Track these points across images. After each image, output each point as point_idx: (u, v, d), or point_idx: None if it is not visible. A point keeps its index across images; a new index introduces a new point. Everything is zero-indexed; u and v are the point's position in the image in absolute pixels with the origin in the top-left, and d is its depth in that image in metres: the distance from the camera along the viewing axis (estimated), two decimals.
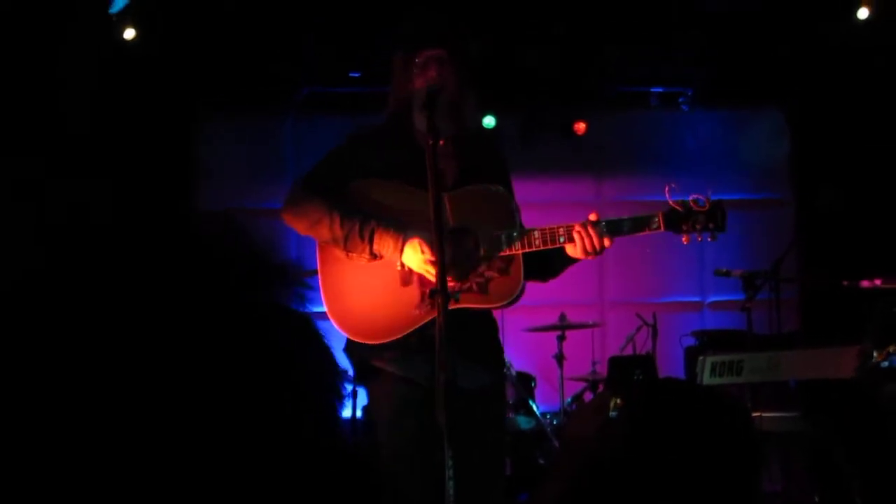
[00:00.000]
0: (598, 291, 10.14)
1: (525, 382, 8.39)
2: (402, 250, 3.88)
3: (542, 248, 3.97)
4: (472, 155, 4.17)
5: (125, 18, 8.62)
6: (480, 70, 8.75)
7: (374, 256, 3.94)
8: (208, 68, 9.16)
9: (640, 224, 4.03)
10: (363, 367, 4.08)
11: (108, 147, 8.49)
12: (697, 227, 4.08)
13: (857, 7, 8.88)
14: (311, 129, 9.81)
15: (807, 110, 10.06)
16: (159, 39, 8.78)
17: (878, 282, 5.53)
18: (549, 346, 8.86)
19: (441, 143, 3.76)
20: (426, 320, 3.92)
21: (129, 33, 8.66)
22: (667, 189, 4.08)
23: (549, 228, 3.99)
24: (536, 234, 3.99)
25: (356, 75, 9.42)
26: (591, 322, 8.84)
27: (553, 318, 8.64)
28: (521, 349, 9.51)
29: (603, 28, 9.24)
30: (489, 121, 9.97)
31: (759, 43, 9.36)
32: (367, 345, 4.00)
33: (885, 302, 5.33)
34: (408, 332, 3.95)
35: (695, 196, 4.11)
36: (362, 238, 3.91)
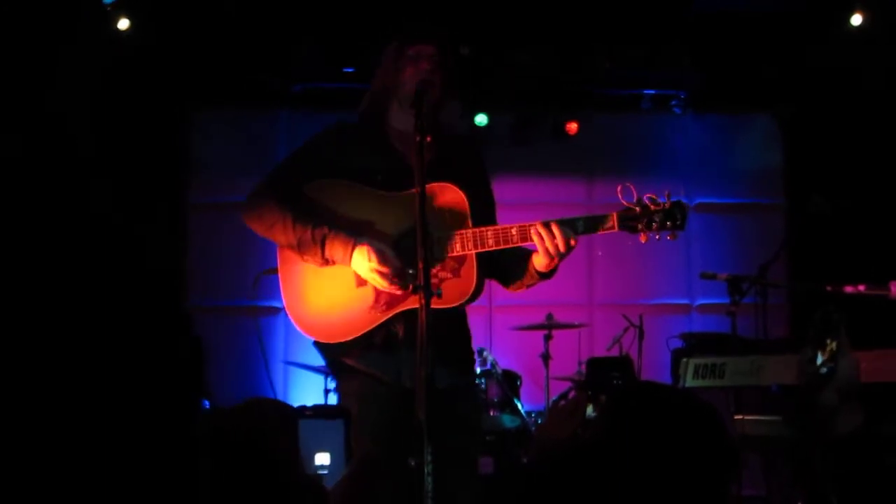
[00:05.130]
0: (587, 292, 10.16)
1: (511, 381, 8.40)
2: (350, 256, 3.89)
3: (495, 247, 3.94)
4: (446, 156, 4.16)
5: (119, 9, 8.63)
6: (465, 75, 8.82)
7: (325, 261, 3.95)
8: (202, 62, 9.17)
9: (593, 223, 3.96)
10: (334, 365, 4.11)
11: (100, 140, 8.50)
12: (654, 225, 3.95)
13: (851, 13, 8.90)
14: (304, 124, 9.80)
15: (799, 116, 10.09)
16: (153, 31, 8.79)
17: (861, 287, 5.54)
18: (535, 345, 8.88)
19: (429, 139, 3.76)
20: (382, 320, 3.94)
21: (123, 24, 8.66)
22: (619, 189, 4.01)
23: (503, 228, 3.94)
24: (489, 233, 3.94)
25: (350, 71, 9.43)
26: (577, 322, 8.86)
27: (540, 318, 8.66)
28: (507, 348, 9.54)
29: (596, 30, 9.25)
30: (481, 119, 9.99)
31: (752, 48, 9.38)
32: (333, 343, 4.02)
33: (825, 307, 5.35)
34: (364, 331, 3.95)
35: (650, 195, 3.99)
36: (314, 242, 3.91)
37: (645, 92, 10.33)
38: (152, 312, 1.26)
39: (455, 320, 4.14)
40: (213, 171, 10.02)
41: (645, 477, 1.95)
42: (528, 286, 4.25)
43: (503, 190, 10.17)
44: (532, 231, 3.91)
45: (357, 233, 3.92)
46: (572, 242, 3.91)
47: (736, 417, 5.74)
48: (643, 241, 3.98)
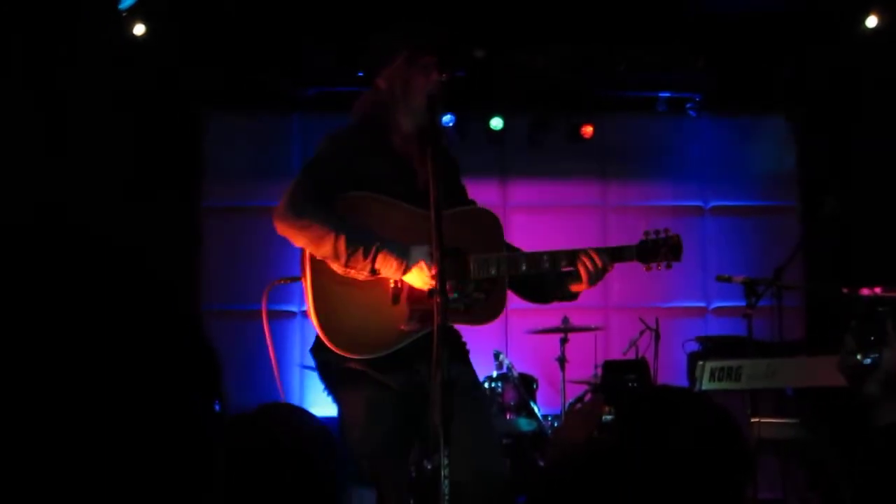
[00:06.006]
0: (602, 295, 10.13)
1: (527, 384, 8.38)
2: (405, 272, 3.91)
3: (526, 272, 4.08)
4: (446, 168, 4.21)
5: (135, 14, 8.65)
6: (489, 73, 8.80)
7: (373, 273, 3.95)
8: (215, 66, 9.18)
9: (616, 254, 4.28)
10: (335, 370, 4.10)
11: (114, 144, 8.52)
12: (660, 257, 4.41)
13: (866, 15, 8.88)
14: (317, 128, 9.80)
15: (813, 119, 10.06)
16: (168, 36, 8.80)
17: (878, 290, 5.52)
18: (551, 348, 8.86)
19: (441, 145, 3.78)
20: (413, 339, 3.97)
21: (139, 29, 8.69)
22: (644, 231, 4.43)
23: (534, 255, 4.16)
24: (523, 259, 4.15)
25: (363, 75, 9.43)
26: (594, 325, 8.84)
27: (556, 321, 8.64)
28: (523, 351, 9.52)
29: (611, 32, 9.24)
30: (497, 122, 9.98)
31: (767, 51, 9.37)
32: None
33: (869, 302, 5.34)
34: (394, 348, 3.98)
35: (659, 231, 4.45)
36: (365, 258, 3.90)
37: (660, 95, 10.30)
38: (164, 317, 1.26)
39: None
40: (227, 174, 10.03)
41: (660, 480, 1.93)
42: (551, 303, 4.53)
43: (518, 192, 10.20)
44: (577, 260, 4.16)
45: (405, 249, 3.94)
46: (609, 268, 4.23)
47: (752, 420, 5.73)
48: (647, 271, 4.45)
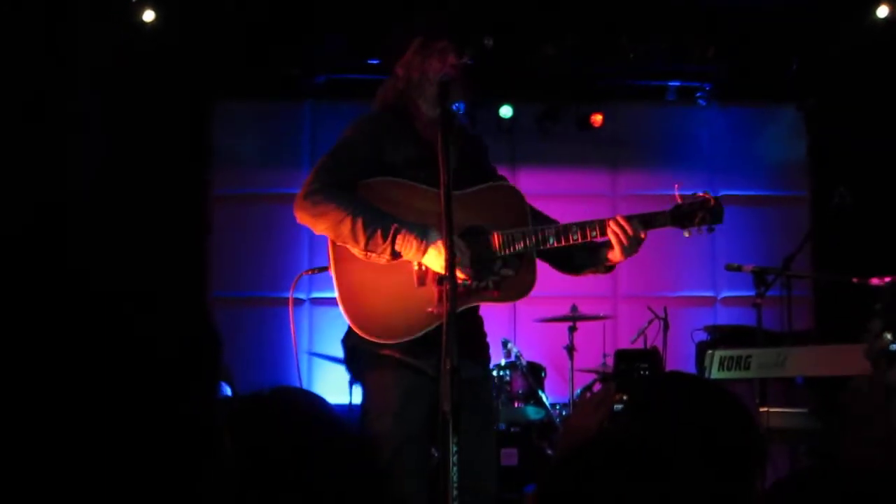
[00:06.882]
0: (611, 284, 10.13)
1: (535, 373, 8.38)
2: (424, 253, 3.90)
3: (556, 245, 4.03)
4: (464, 144, 4.21)
5: (144, 1, 8.66)
6: (499, 61, 8.80)
7: (394, 257, 3.95)
8: (225, 53, 9.17)
9: (648, 221, 4.17)
10: (367, 357, 4.08)
11: (124, 130, 8.53)
12: (697, 221, 4.22)
13: (877, 5, 8.85)
14: (328, 115, 9.82)
15: (823, 108, 10.04)
16: (177, 23, 8.80)
17: (888, 279, 5.52)
18: (560, 337, 8.86)
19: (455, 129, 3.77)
20: (441, 321, 3.96)
21: (149, 15, 8.69)
22: (676, 188, 4.26)
23: (564, 226, 4.10)
24: (551, 231, 4.08)
25: (374, 62, 9.42)
26: (602, 314, 8.84)
27: (565, 310, 8.64)
28: (532, 339, 9.52)
29: (621, 21, 9.23)
30: (507, 111, 9.98)
31: (777, 40, 9.34)
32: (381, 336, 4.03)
33: (891, 288, 5.32)
34: (423, 331, 3.97)
35: (697, 192, 4.28)
36: (384, 240, 3.89)
37: (670, 84, 10.30)
38: (174, 304, 1.26)
39: (471, 314, 4.16)
40: (237, 162, 10.04)
41: (672, 469, 1.93)
42: (585, 275, 4.44)
43: (528, 181, 10.16)
44: (608, 228, 4.09)
45: (424, 230, 3.92)
46: (643, 235, 4.13)
47: (761, 410, 5.72)
48: (687, 236, 4.24)
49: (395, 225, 3.90)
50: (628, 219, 4.10)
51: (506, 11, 8.84)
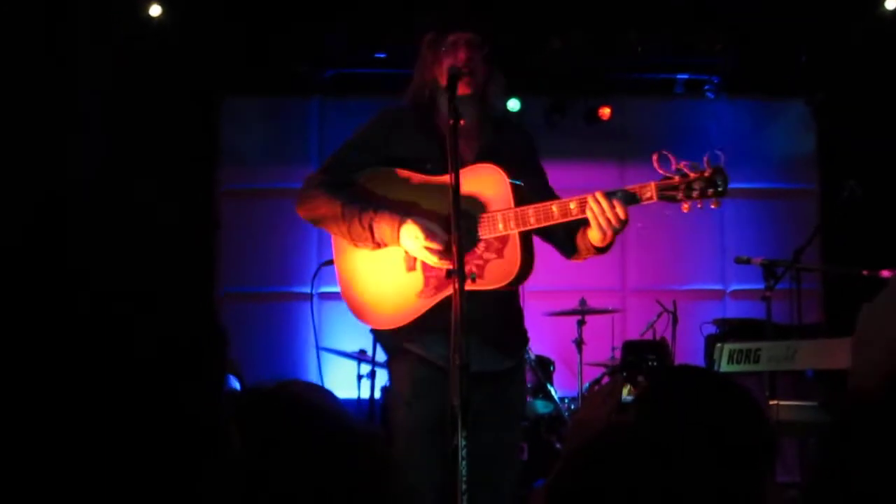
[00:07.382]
0: (620, 277, 10.12)
1: (544, 367, 8.37)
2: (398, 235, 3.89)
3: (538, 225, 3.88)
4: (495, 138, 4.18)
5: None
6: (506, 55, 8.78)
7: (377, 244, 3.96)
8: (232, 48, 9.17)
9: (631, 195, 3.80)
10: (390, 349, 4.14)
11: (129, 126, 8.53)
12: (694, 193, 3.79)
13: None
14: (336, 110, 9.83)
15: (832, 101, 10.01)
16: (184, 18, 8.80)
17: None
18: (568, 330, 8.85)
19: (462, 123, 3.72)
20: (430, 306, 3.95)
21: (155, 10, 8.69)
22: (655, 158, 3.84)
23: (543, 205, 3.86)
24: (530, 211, 3.87)
25: (382, 56, 9.42)
26: (611, 308, 8.82)
27: (573, 303, 8.63)
28: (540, 333, 9.49)
29: (629, 14, 9.21)
30: (514, 104, 9.96)
31: (786, 33, 9.32)
32: (394, 329, 4.05)
33: None
34: (414, 318, 3.98)
35: (689, 162, 3.84)
36: (363, 227, 3.93)
37: (678, 77, 10.28)
38: (175, 304, 1.25)
39: (504, 301, 4.12)
40: (245, 157, 10.04)
41: (681, 462, 1.92)
42: (586, 258, 4.19)
43: None
44: (586, 205, 3.80)
45: (405, 214, 3.92)
46: (621, 212, 3.76)
47: (771, 403, 5.71)
48: (686, 211, 3.81)
49: (371, 211, 3.93)
50: (607, 195, 3.77)
51: (512, 5, 8.82)
